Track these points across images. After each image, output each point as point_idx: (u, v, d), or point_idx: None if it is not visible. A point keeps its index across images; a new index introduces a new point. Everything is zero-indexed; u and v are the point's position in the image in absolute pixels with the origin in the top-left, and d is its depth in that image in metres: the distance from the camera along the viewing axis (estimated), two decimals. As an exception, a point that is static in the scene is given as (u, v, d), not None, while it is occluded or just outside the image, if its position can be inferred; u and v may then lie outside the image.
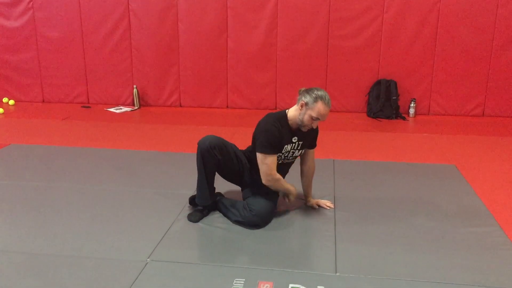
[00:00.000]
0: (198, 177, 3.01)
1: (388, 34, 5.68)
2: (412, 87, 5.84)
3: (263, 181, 2.92)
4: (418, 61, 5.75)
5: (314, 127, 2.92)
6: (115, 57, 6.15)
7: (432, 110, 5.90)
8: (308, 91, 2.85)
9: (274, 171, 2.90)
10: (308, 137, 3.06)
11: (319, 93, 2.82)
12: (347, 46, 5.78)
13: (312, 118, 2.82)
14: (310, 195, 3.25)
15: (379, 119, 5.72)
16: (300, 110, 2.85)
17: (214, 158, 2.92)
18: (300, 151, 3.06)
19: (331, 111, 5.91)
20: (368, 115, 5.84)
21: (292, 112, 2.93)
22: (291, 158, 3.06)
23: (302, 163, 3.18)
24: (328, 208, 3.20)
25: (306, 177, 3.20)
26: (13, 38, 6.24)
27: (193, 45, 5.99)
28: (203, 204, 3.06)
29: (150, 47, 6.05)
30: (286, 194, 3.06)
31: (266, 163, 2.86)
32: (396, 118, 5.74)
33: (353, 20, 5.69)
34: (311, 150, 3.17)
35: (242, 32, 5.87)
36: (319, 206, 3.22)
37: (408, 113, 5.84)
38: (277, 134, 2.85)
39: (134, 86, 6.14)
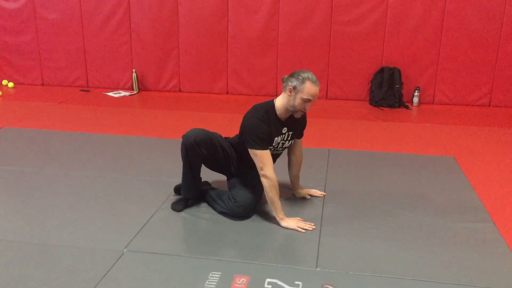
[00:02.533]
0: (183, 169, 2.92)
1: (392, 20, 5.51)
2: (416, 75, 5.68)
3: (262, 181, 2.78)
4: (424, 49, 5.58)
5: (308, 110, 2.78)
6: (114, 41, 6.07)
7: (436, 99, 5.74)
8: (293, 75, 2.73)
9: (268, 168, 2.71)
10: (298, 127, 2.98)
11: (304, 74, 2.69)
12: (350, 32, 5.62)
13: (304, 101, 2.69)
14: (299, 186, 3.16)
15: (381, 107, 5.58)
16: (289, 95, 2.73)
17: (199, 154, 2.83)
18: (290, 142, 2.96)
19: (331, 98, 5.88)
20: (370, 104, 5.70)
21: (280, 101, 2.81)
22: (280, 149, 2.96)
23: (289, 153, 3.08)
24: (320, 196, 3.12)
25: (294, 168, 3.11)
26: (12, 19, 6.17)
27: (193, 30, 5.88)
28: (188, 196, 2.99)
29: (149, 31, 5.95)
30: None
31: (260, 160, 2.73)
32: (399, 107, 5.59)
33: (357, 5, 5.53)
34: (299, 140, 3.08)
35: (243, 17, 5.74)
36: (310, 196, 3.13)
37: (411, 102, 5.69)
38: (266, 128, 2.73)
39: (133, 70, 6.05)
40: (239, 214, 2.82)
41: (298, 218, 2.82)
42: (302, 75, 2.69)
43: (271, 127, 2.77)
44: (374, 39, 5.61)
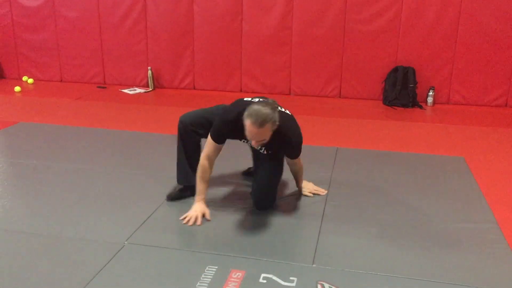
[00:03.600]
0: (177, 156, 3.00)
1: (407, 19, 5.46)
2: (431, 75, 5.62)
3: None
4: (439, 48, 5.51)
5: (255, 146, 2.67)
6: (130, 38, 6.16)
7: (452, 99, 5.67)
8: (247, 102, 2.64)
9: (203, 154, 2.77)
10: (271, 147, 2.76)
11: (252, 108, 2.48)
12: (364, 30, 5.59)
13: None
14: (300, 185, 3.14)
15: (394, 107, 5.53)
16: None
17: (197, 136, 2.91)
18: (266, 152, 2.83)
19: (344, 97, 5.85)
20: (384, 103, 5.66)
21: None
22: (262, 151, 2.84)
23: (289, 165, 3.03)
24: (322, 194, 3.13)
25: (294, 175, 3.09)
26: (32, 17, 6.33)
27: (207, 28, 5.93)
28: (183, 183, 3.03)
29: (165, 29, 6.02)
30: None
31: (206, 144, 2.79)
32: (412, 106, 5.54)
33: (371, 3, 5.49)
34: (293, 161, 2.92)
35: (257, 15, 5.76)
36: (313, 194, 3.13)
37: (426, 102, 5.62)
38: (226, 131, 2.71)
39: (149, 68, 6.14)
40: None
41: (205, 210, 2.77)
42: (249, 109, 2.49)
43: (237, 132, 2.66)
44: (388, 37, 5.57)
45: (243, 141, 2.84)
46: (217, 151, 2.80)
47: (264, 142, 2.58)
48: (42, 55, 6.49)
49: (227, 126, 2.72)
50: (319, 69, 5.83)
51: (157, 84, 6.27)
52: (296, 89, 5.95)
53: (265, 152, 2.83)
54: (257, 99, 2.74)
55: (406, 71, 5.56)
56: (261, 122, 2.45)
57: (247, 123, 2.49)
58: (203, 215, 2.77)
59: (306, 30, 5.71)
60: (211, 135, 2.76)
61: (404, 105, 5.53)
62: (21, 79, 6.58)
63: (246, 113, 2.49)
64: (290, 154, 2.86)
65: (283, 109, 2.80)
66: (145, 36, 6.12)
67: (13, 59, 6.61)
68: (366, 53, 5.66)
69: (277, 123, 2.54)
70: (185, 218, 2.76)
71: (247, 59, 5.96)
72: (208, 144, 2.78)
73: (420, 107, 5.53)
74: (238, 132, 2.67)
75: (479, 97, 5.60)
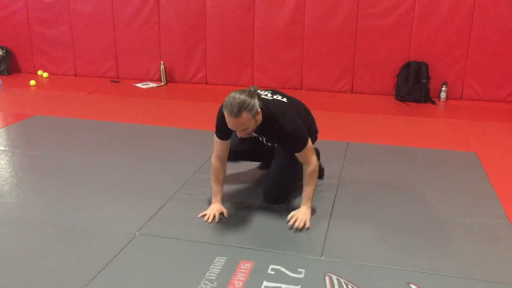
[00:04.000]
0: None
1: (421, 13, 5.42)
2: (444, 70, 5.57)
3: None
4: (452, 43, 5.46)
5: (239, 136, 2.52)
6: (143, 33, 6.20)
7: (465, 95, 5.62)
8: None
9: (213, 155, 2.74)
10: (273, 136, 2.69)
11: (227, 98, 2.41)
12: (377, 25, 5.56)
13: None
14: (303, 201, 2.73)
15: (406, 102, 5.51)
16: None
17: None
18: (270, 144, 2.77)
19: (356, 92, 5.84)
20: (396, 98, 5.63)
21: None
22: (264, 142, 2.79)
23: None
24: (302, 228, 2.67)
25: (303, 175, 2.74)
26: (47, 12, 6.40)
27: (220, 22, 5.94)
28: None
29: (177, 23, 6.06)
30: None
31: (214, 145, 2.74)
32: (425, 102, 5.51)
33: (384, -2, 5.47)
34: (298, 154, 2.67)
35: (269, 10, 5.76)
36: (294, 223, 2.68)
37: (439, 97, 5.59)
38: (223, 126, 2.56)
39: (162, 62, 6.18)
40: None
41: (222, 209, 2.77)
42: (226, 98, 2.41)
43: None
44: (401, 32, 5.53)
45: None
46: (225, 150, 2.74)
47: (249, 131, 2.48)
48: (56, 49, 6.57)
49: (223, 121, 2.55)
50: (331, 63, 5.82)
51: (170, 78, 6.31)
52: (308, 84, 5.95)
53: (269, 144, 2.77)
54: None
55: (419, 66, 5.52)
56: (236, 111, 2.34)
57: (225, 114, 2.40)
58: (221, 213, 2.77)
59: (318, 24, 5.70)
60: (215, 134, 2.72)
61: (417, 100, 5.50)
62: (36, 73, 6.67)
63: (223, 104, 2.42)
64: (289, 145, 2.66)
65: (279, 97, 2.70)
66: (158, 30, 6.16)
67: (28, 54, 6.70)
68: (378, 48, 5.63)
69: (258, 109, 2.43)
70: (203, 215, 2.76)
71: (259, 54, 5.97)
72: (215, 144, 2.74)
73: (433, 102, 5.49)
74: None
75: (492, 93, 5.54)
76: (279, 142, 2.73)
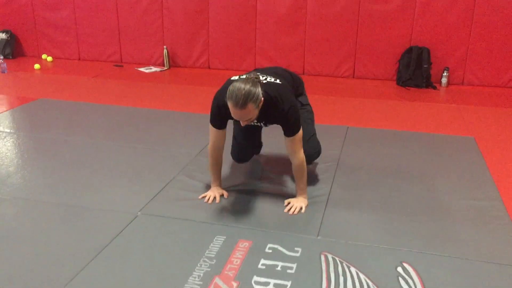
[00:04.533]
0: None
1: (423, -2, 5.43)
2: (446, 55, 5.59)
3: None
4: (454, 28, 5.47)
5: (243, 125, 2.53)
6: (147, 17, 6.23)
7: (466, 80, 5.64)
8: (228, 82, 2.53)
9: (212, 146, 2.75)
10: (267, 119, 2.68)
11: (231, 88, 2.36)
12: (379, 10, 5.57)
13: None
14: (298, 192, 2.78)
15: (408, 87, 5.54)
16: None
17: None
18: (262, 124, 2.77)
19: (358, 78, 5.87)
20: (398, 83, 5.66)
21: None
22: (261, 125, 2.79)
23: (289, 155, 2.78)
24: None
25: (294, 173, 2.77)
26: (51, -4, 6.44)
27: (222, 7, 5.96)
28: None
29: (180, 8, 6.08)
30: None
31: (210, 134, 2.75)
32: (426, 87, 5.53)
33: (387, -17, 5.47)
34: (288, 139, 2.63)
35: (272, -6, 5.78)
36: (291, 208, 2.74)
37: (440, 83, 5.61)
38: (219, 116, 2.61)
39: (164, 46, 6.21)
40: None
41: (222, 191, 2.85)
42: (229, 90, 2.37)
43: (224, 115, 2.58)
44: (403, 17, 5.54)
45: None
46: (221, 138, 2.73)
47: (252, 119, 2.48)
48: (60, 33, 6.61)
49: (220, 110, 2.59)
50: (333, 49, 5.84)
51: (173, 63, 6.35)
52: (310, 69, 5.98)
53: (267, 125, 2.79)
54: (244, 76, 2.53)
55: (420, 52, 5.54)
56: (242, 103, 2.33)
57: (229, 105, 2.38)
58: (221, 195, 2.84)
59: (320, 10, 5.71)
60: (210, 123, 2.71)
61: (418, 86, 5.53)
62: (40, 57, 6.72)
63: (227, 94, 2.38)
64: (286, 125, 2.61)
65: (272, 79, 2.66)
66: (161, 15, 6.18)
67: (33, 38, 6.75)
68: (380, 33, 5.65)
69: (262, 98, 2.42)
70: (204, 197, 2.83)
71: (261, 39, 6.00)
72: (210, 133, 2.74)
73: (434, 87, 5.52)
74: (227, 115, 2.56)
75: (494, 78, 5.57)
76: (278, 122, 2.69)
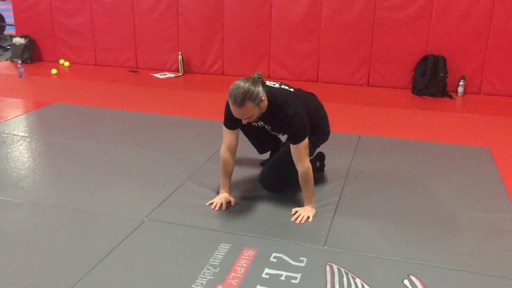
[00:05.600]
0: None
1: (439, 6, 5.36)
2: (462, 64, 5.51)
3: None
4: (471, 36, 5.39)
5: (244, 123, 2.58)
6: (162, 23, 6.28)
7: (483, 90, 5.55)
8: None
9: (222, 145, 2.76)
10: (277, 124, 2.70)
11: (231, 87, 2.43)
12: (394, 18, 5.52)
13: None
14: (305, 202, 2.75)
15: (423, 96, 5.47)
16: None
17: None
18: (275, 132, 2.82)
19: (373, 86, 5.81)
20: (413, 92, 5.60)
21: None
22: (270, 129, 2.82)
23: None
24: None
25: (299, 179, 2.70)
26: (69, 2, 6.53)
27: (237, 14, 5.98)
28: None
29: (195, 14, 6.11)
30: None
31: (223, 136, 2.77)
32: (442, 96, 5.46)
33: (403, -10, 5.42)
34: (292, 147, 2.62)
35: (286, 1, 5.76)
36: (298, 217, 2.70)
37: (456, 92, 5.53)
38: (231, 116, 2.60)
39: (179, 52, 6.25)
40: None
41: (230, 198, 2.80)
42: (231, 86, 2.44)
43: None
44: (419, 25, 5.49)
45: (254, 124, 2.81)
46: (234, 140, 2.75)
47: (253, 118, 2.51)
48: (78, 39, 6.69)
49: (230, 110, 2.59)
50: (348, 56, 5.81)
51: (187, 69, 6.38)
52: (324, 77, 5.95)
53: (273, 132, 2.81)
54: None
55: (436, 60, 5.47)
56: (240, 101, 2.37)
57: (229, 103, 2.44)
58: (228, 202, 2.82)
59: (335, 17, 5.69)
60: (223, 124, 2.76)
61: (433, 95, 5.46)
62: (58, 62, 6.81)
63: (228, 93, 2.43)
64: (290, 133, 2.62)
65: (287, 87, 2.73)
66: (176, 21, 6.22)
67: (51, 43, 6.85)
68: (395, 41, 5.60)
69: (262, 97, 2.45)
70: (211, 203, 2.82)
71: (275, 46, 5.99)
72: (224, 135, 2.77)
73: (450, 96, 5.44)
74: None
75: (511, 88, 5.46)
76: (282, 130, 2.74)
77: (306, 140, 2.62)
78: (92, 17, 6.51)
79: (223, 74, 6.30)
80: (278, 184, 2.97)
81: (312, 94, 3.05)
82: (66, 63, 6.71)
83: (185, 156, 3.56)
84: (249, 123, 2.67)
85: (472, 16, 5.31)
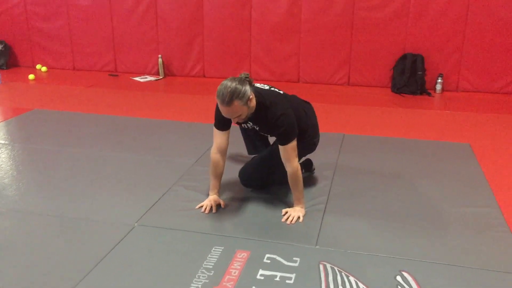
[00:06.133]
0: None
1: (416, 5, 5.45)
2: (440, 62, 5.61)
3: None
4: (448, 35, 5.50)
5: (234, 122, 2.61)
6: (141, 26, 6.23)
7: (460, 87, 5.67)
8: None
9: (215, 149, 2.74)
10: (265, 126, 2.70)
11: (219, 87, 2.46)
12: (373, 18, 5.60)
13: None
14: (295, 202, 2.76)
15: (403, 94, 5.56)
16: None
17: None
18: (263, 133, 2.84)
19: (353, 85, 5.88)
20: (392, 90, 5.68)
21: None
22: (258, 130, 2.82)
23: None
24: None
25: (288, 179, 2.71)
26: (45, 6, 6.43)
27: (217, 16, 5.98)
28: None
29: (175, 16, 6.09)
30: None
31: (213, 137, 2.78)
32: (421, 94, 5.55)
33: (381, -10, 5.50)
34: (281, 147, 2.63)
35: (266, 2, 5.79)
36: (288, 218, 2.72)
37: (434, 89, 5.63)
38: (220, 116, 2.62)
39: (159, 55, 6.21)
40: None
41: (219, 201, 2.80)
42: (219, 87, 2.46)
43: None
44: (397, 25, 5.57)
45: (244, 126, 2.83)
46: (224, 141, 2.76)
47: (243, 117, 2.53)
48: (55, 43, 6.60)
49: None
50: (328, 56, 5.86)
51: (168, 72, 6.35)
52: (305, 77, 5.99)
53: (263, 133, 2.83)
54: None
55: (414, 59, 5.56)
56: (228, 100, 2.40)
57: (218, 102, 2.47)
58: (218, 204, 2.82)
59: (315, 17, 5.73)
60: (214, 125, 2.76)
61: (413, 93, 5.55)
62: (35, 67, 6.70)
63: (216, 93, 2.46)
64: (278, 134, 2.62)
65: (276, 90, 2.79)
66: (155, 24, 6.18)
67: (27, 48, 6.73)
68: (375, 40, 5.67)
69: (250, 96, 2.47)
70: (201, 207, 2.81)
71: (256, 47, 6.01)
72: (214, 136, 2.77)
73: (429, 94, 5.54)
74: None
75: (488, 84, 5.59)
76: (270, 131, 2.75)
77: (295, 141, 2.64)
78: (69, 21, 6.43)
79: (204, 76, 6.29)
80: (256, 182, 3.00)
81: (308, 102, 3.08)
82: (44, 68, 6.61)
83: (172, 159, 3.54)
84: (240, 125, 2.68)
85: (448, 15, 5.42)
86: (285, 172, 2.68)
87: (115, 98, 5.35)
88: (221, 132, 2.75)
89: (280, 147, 2.64)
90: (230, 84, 2.44)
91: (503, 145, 3.93)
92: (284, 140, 2.63)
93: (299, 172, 2.68)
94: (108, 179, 3.24)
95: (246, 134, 3.22)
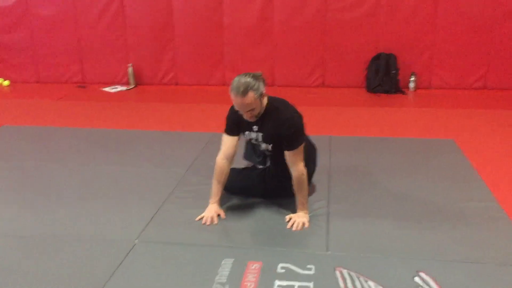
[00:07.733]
0: None
1: (387, 5, 5.51)
2: (412, 60, 5.70)
3: None
4: (419, 33, 5.59)
5: (245, 118, 2.59)
6: (109, 35, 6.03)
7: (433, 84, 5.77)
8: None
9: (219, 152, 2.72)
10: (271, 129, 2.64)
11: (233, 81, 2.50)
12: (346, 18, 5.62)
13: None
14: (298, 207, 2.71)
15: (377, 94, 5.60)
16: None
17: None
18: (266, 144, 2.72)
19: (328, 86, 5.88)
20: (367, 90, 5.72)
21: None
22: (261, 146, 2.78)
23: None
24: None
25: (293, 183, 2.69)
26: (5, 17, 6.12)
27: (188, 21, 5.86)
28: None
29: (144, 24, 5.92)
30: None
31: (222, 143, 2.75)
32: (395, 92, 5.62)
33: (352, -9, 5.53)
34: (287, 153, 2.62)
35: (237, 7, 5.72)
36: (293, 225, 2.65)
37: (408, 87, 5.71)
38: (233, 117, 2.69)
39: (129, 64, 6.03)
40: None
41: (220, 211, 2.73)
42: (232, 81, 2.50)
43: (243, 120, 2.64)
44: (369, 25, 5.62)
45: (252, 140, 2.79)
46: (233, 147, 2.71)
47: (255, 113, 2.53)
48: (17, 56, 6.29)
49: (233, 115, 2.68)
50: (302, 58, 5.85)
51: (139, 81, 6.17)
52: (280, 80, 5.95)
53: (268, 149, 2.73)
54: None
55: (388, 58, 5.63)
56: (243, 90, 2.43)
57: (232, 96, 2.48)
58: (218, 215, 2.72)
59: (287, 20, 5.71)
60: (224, 131, 2.75)
61: (387, 92, 5.60)
62: (-5, 81, 6.37)
63: (231, 86, 2.48)
64: (286, 136, 2.58)
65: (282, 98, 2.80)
66: (124, 32, 6.00)
67: (-14, 61, 6.40)
68: (348, 41, 5.70)
69: (263, 91, 2.51)
70: (201, 219, 2.70)
71: (229, 52, 5.93)
72: (222, 142, 2.74)
73: (403, 92, 5.61)
74: (243, 121, 2.65)
75: (459, 81, 5.71)
76: (279, 133, 2.60)
77: (302, 145, 2.60)
78: (32, 32, 6.14)
79: (177, 84, 6.14)
80: (237, 190, 2.96)
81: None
82: (6, 82, 6.29)
83: (159, 170, 3.41)
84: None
85: (418, 14, 5.51)
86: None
87: (86, 110, 5.14)
88: (230, 137, 2.72)
89: (288, 153, 2.61)
90: (244, 78, 2.47)
91: (485, 139, 4.00)
92: (293, 143, 2.60)
93: (305, 176, 2.63)
94: (97, 194, 3.08)
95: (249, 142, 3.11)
